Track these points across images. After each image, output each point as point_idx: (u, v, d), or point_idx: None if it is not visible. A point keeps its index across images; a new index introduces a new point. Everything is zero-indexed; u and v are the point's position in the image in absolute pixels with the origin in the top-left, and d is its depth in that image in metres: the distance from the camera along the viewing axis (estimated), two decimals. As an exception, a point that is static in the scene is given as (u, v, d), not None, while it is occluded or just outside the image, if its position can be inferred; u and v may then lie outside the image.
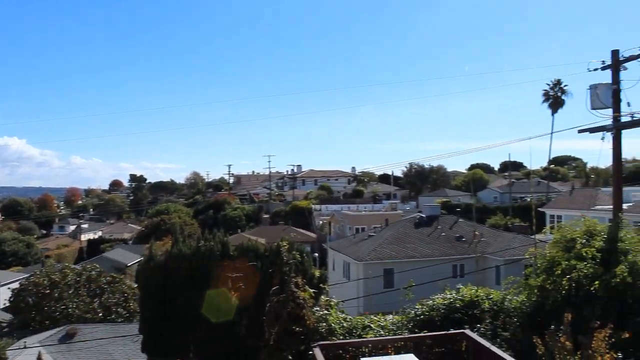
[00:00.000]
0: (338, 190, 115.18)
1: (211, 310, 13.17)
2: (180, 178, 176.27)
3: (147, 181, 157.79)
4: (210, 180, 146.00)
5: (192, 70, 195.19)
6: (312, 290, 12.56)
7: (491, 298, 13.90)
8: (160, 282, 13.14)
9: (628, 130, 15.95)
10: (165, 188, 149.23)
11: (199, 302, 13.10)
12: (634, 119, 15.20)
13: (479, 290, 14.05)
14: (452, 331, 12.25)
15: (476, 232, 36.14)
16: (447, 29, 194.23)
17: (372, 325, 12.93)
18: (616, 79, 15.65)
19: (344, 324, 12.64)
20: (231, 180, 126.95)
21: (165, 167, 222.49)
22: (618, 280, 12.14)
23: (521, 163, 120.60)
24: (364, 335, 12.46)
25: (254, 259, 13.07)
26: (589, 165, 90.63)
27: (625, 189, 47.02)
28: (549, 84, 77.57)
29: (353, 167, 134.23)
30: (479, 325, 12.92)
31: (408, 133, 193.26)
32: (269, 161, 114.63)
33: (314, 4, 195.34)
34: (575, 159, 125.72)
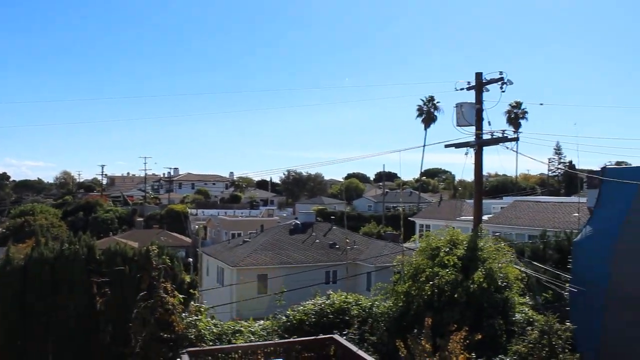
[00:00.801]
0: (215, 195, 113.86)
1: None
2: (50, 177, 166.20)
3: (12, 179, 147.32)
4: (82, 180, 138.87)
5: (70, 66, 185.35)
6: (181, 296, 12.34)
7: (360, 304, 14.32)
8: (19, 288, 12.30)
9: (490, 146, 17.01)
10: (31, 187, 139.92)
11: (60, 309, 12.43)
12: (494, 136, 16.36)
13: (349, 297, 14.44)
14: (321, 336, 12.48)
15: (347, 240, 37.09)
16: (327, 40, 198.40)
17: (242, 330, 12.91)
18: (479, 99, 16.76)
19: (214, 330, 12.52)
20: (104, 181, 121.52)
21: (34, 165, 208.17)
22: (476, 286, 12.99)
23: (395, 174, 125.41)
24: (234, 341, 12.40)
25: (122, 264, 12.61)
26: (457, 178, 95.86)
27: (486, 201, 50.29)
28: (423, 100, 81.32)
29: (231, 172, 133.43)
30: (348, 330, 13.27)
31: (287, 140, 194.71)
32: (145, 163, 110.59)
33: (198, 6, 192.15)
34: (445, 172, 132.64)
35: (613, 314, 12.70)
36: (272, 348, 11.66)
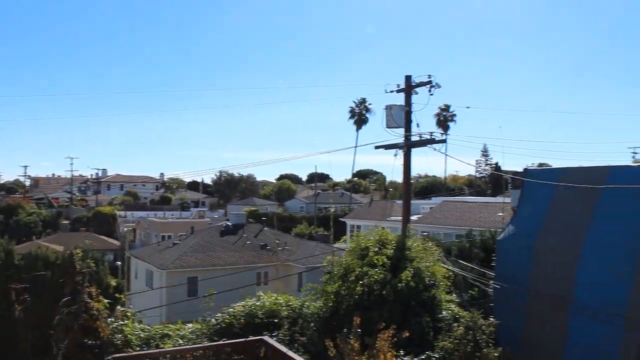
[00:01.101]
0: (145, 197, 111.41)
1: None
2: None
3: None
4: (2, 182, 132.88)
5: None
6: (107, 301, 12.00)
7: (290, 305, 14.31)
8: None
9: (419, 148, 17.36)
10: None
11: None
12: (422, 138, 16.73)
13: (279, 298, 14.41)
14: (251, 338, 12.39)
15: (277, 241, 37.12)
16: (261, 41, 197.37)
17: (171, 334, 12.68)
18: (408, 102, 17.11)
19: (141, 335, 12.24)
20: (27, 183, 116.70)
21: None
22: (404, 284, 13.24)
23: (327, 175, 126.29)
24: (162, 345, 12.15)
25: (44, 268, 12.15)
26: (388, 179, 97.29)
27: (416, 201, 51.34)
28: (355, 102, 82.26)
29: (161, 173, 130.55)
30: (278, 332, 13.24)
31: (220, 141, 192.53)
32: (71, 164, 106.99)
33: (128, 2, 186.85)
34: (376, 173, 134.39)
35: (533, 310, 13.20)
36: (201, 352, 11.48)
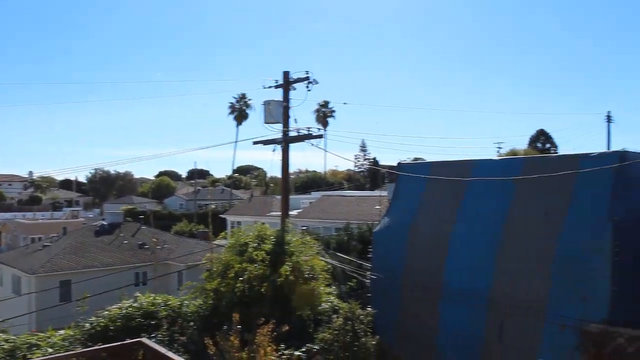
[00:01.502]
0: (12, 197, 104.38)
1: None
2: None
3: None
4: None
5: None
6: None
7: (169, 304, 14.00)
8: None
9: (299, 143, 17.48)
10: None
11: None
12: (300, 134, 16.91)
13: (157, 298, 14.05)
14: (128, 341, 11.97)
15: (155, 239, 36.15)
16: (140, 35, 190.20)
17: (40, 343, 11.98)
18: (286, 97, 17.22)
19: (5, 346, 11.47)
20: None
21: None
22: (283, 279, 13.35)
23: (208, 171, 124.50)
24: (29, 356, 11.45)
25: None
26: (269, 175, 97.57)
27: (296, 196, 51.79)
28: (235, 97, 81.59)
29: (30, 172, 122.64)
30: (156, 333, 12.91)
31: (95, 137, 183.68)
32: None
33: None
34: (257, 169, 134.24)
35: (407, 299, 13.77)
36: (74, 359, 10.95)
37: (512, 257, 12.08)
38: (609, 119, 48.78)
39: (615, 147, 10.72)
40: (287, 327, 11.34)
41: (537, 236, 11.83)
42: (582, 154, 12.10)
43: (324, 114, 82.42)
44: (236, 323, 10.29)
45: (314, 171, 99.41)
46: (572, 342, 10.88)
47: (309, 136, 16.85)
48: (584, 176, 11.54)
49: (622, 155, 11.44)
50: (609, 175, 11.25)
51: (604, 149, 17.15)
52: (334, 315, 13.57)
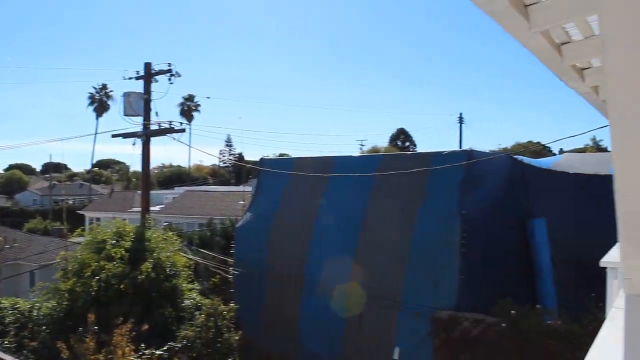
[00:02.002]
0: None
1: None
2: None
3: None
4: None
5: None
6: None
7: (18, 308, 13.19)
8: None
9: (162, 137, 17.06)
10: None
11: None
12: (161, 127, 16.52)
13: (4, 301, 13.18)
14: (-33, 350, 11.16)
15: (0, 238, 33.67)
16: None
17: None
18: (148, 90, 16.73)
19: None
20: None
21: None
22: (144, 276, 13.02)
23: (65, 165, 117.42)
24: None
25: None
26: (131, 169, 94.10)
27: (159, 191, 50.39)
28: (95, 88, 77.80)
29: None
30: (2, 340, 12.11)
31: None
32: None
33: None
34: (118, 163, 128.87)
35: (270, 292, 13.95)
36: None
37: (370, 249, 12.64)
38: (461, 120, 52.16)
39: (466, 147, 11.65)
40: (147, 326, 11.09)
41: (393, 229, 12.48)
42: (435, 152, 12.92)
43: (189, 108, 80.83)
44: (92, 324, 9.90)
45: (178, 166, 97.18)
46: (425, 328, 11.61)
47: (170, 130, 16.51)
48: (436, 173, 12.34)
49: (469, 153, 12.38)
50: (458, 172, 12.12)
51: (456, 148, 18.33)
52: (197, 312, 13.46)
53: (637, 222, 1.15)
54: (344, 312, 12.61)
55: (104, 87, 77.60)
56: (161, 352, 12.08)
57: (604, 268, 5.25)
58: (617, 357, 2.50)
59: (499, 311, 10.98)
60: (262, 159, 15.43)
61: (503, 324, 10.74)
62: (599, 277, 7.29)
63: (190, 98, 78.78)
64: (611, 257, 5.29)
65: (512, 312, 10.77)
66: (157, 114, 16.74)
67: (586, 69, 3.27)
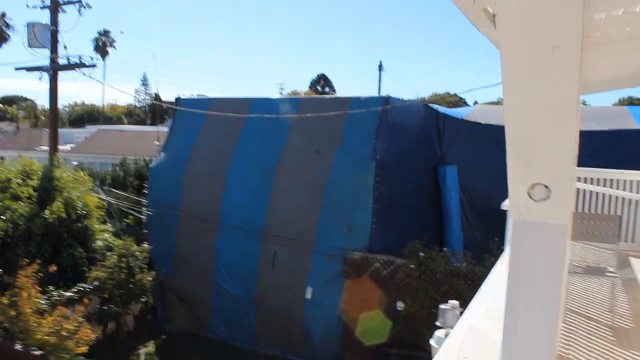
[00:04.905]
0: None
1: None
2: None
3: None
4: None
5: None
6: None
7: None
8: None
9: (73, 72, 16.19)
10: None
11: None
12: (70, 62, 15.68)
13: None
14: None
15: None
16: None
17: None
18: (55, 20, 15.76)
19: None
20: None
21: None
22: (55, 216, 12.59)
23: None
24: None
25: None
26: (40, 106, 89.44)
27: (70, 130, 48.24)
28: (-9, 17, 72.57)
29: None
30: None
31: None
32: None
33: None
34: (25, 99, 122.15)
35: (185, 232, 13.85)
36: None
37: (286, 192, 12.73)
38: (380, 68, 52.51)
39: (385, 94, 11.80)
40: (55, 267, 10.82)
41: (309, 172, 12.58)
42: (353, 97, 13.00)
43: (104, 44, 77.14)
44: None
45: (91, 104, 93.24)
46: (338, 269, 11.93)
47: (81, 65, 15.70)
48: (353, 117, 12.46)
49: (386, 100, 12.55)
50: (375, 118, 12.29)
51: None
52: (109, 253, 13.21)
53: (523, 148, 1.20)
54: (259, 253, 12.73)
55: (3, 15, 72.47)
56: (71, 294, 11.84)
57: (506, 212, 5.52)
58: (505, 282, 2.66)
59: (408, 253, 11.43)
60: (178, 99, 15.02)
61: (412, 265, 11.20)
62: (503, 222, 7.69)
63: (105, 33, 75.13)
64: (511, 201, 5.54)
65: (421, 254, 11.24)
66: (65, 47, 15.91)
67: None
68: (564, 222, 1.26)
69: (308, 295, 12.09)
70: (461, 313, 4.14)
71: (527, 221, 1.28)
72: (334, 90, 78.20)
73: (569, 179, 1.19)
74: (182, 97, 15.45)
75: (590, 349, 4.56)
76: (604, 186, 8.85)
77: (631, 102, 45.36)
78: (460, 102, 47.74)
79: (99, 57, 69.40)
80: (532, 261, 1.29)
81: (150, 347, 12.99)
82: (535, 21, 1.07)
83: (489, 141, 14.26)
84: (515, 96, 1.15)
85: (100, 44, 77.54)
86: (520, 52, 1.10)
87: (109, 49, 78.94)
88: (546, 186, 1.21)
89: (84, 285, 12.30)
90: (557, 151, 1.17)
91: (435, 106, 15.17)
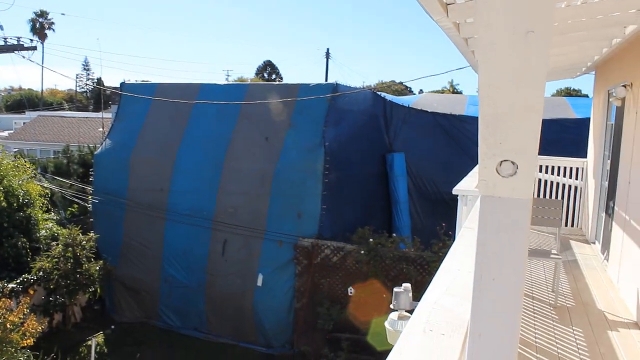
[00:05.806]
0: None
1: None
2: None
3: None
4: None
5: None
6: None
7: None
8: None
9: (9, 55, 15.73)
10: None
11: None
12: (8, 44, 15.12)
13: None
14: None
15: None
16: None
17: None
18: (-8, 2, 15.18)
19: None
20: None
21: None
22: (-6, 206, 12.21)
23: None
24: None
25: None
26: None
27: (7, 115, 46.63)
28: None
29: None
30: None
31: None
32: None
33: None
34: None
35: (132, 220, 13.64)
36: None
37: (235, 179, 12.68)
38: (327, 55, 52.61)
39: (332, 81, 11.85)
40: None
41: (258, 159, 12.57)
42: (301, 84, 13.02)
43: (41, 26, 74.36)
44: None
45: (30, 89, 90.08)
46: (288, 256, 11.99)
47: (19, 47, 15.16)
48: (302, 104, 12.49)
49: (335, 87, 12.63)
50: (323, 105, 12.36)
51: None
52: (54, 243, 12.90)
53: (495, 126, 1.28)
54: (209, 240, 12.68)
55: None
56: (14, 285, 11.54)
57: (456, 196, 5.67)
58: (465, 261, 2.78)
59: (358, 239, 11.60)
60: (123, 84, 14.70)
61: (362, 251, 11.37)
62: (450, 209, 7.89)
63: (42, 14, 72.42)
64: (462, 186, 5.71)
65: (370, 240, 11.42)
66: (1, 27, 15.34)
67: (451, 4, 3.40)
68: (527, 197, 1.37)
69: (259, 282, 12.12)
70: (413, 296, 4.27)
71: (494, 196, 1.38)
72: (280, 78, 77.85)
73: (533, 156, 1.30)
74: (127, 82, 15.13)
75: (535, 327, 4.78)
76: (546, 173, 9.19)
77: (568, 92, 47.06)
78: (406, 90, 48.37)
79: (37, 39, 66.85)
80: (499, 234, 1.40)
81: (99, 337, 12.78)
82: (512, 7, 1.17)
83: (435, 129, 14.57)
84: (490, 77, 1.23)
85: (37, 25, 74.66)
86: (498, 35, 1.19)
87: (48, 32, 76.14)
88: (513, 162, 1.31)
89: (28, 276, 12.00)
90: (525, 130, 1.27)
91: (382, 94, 15.36)
